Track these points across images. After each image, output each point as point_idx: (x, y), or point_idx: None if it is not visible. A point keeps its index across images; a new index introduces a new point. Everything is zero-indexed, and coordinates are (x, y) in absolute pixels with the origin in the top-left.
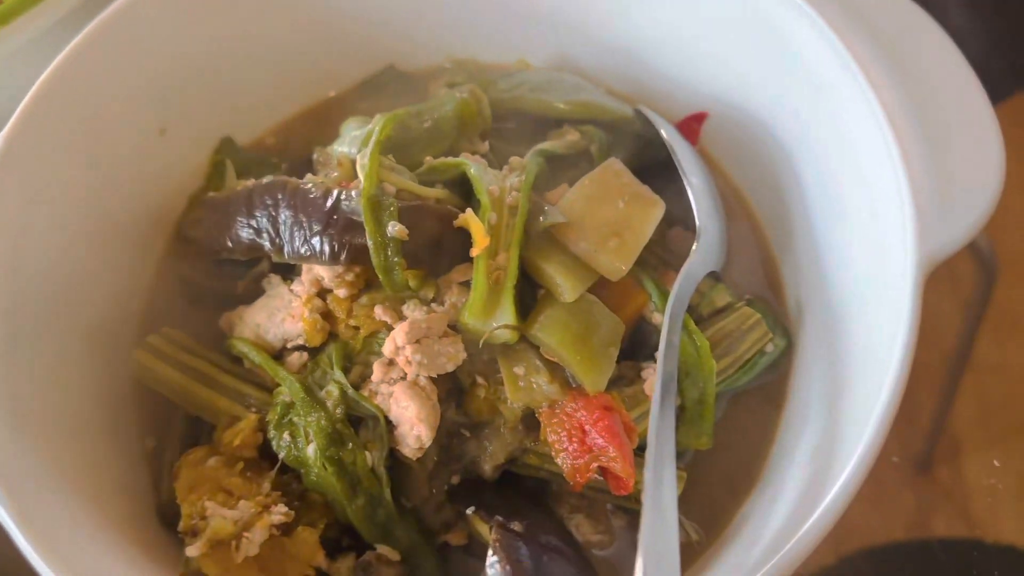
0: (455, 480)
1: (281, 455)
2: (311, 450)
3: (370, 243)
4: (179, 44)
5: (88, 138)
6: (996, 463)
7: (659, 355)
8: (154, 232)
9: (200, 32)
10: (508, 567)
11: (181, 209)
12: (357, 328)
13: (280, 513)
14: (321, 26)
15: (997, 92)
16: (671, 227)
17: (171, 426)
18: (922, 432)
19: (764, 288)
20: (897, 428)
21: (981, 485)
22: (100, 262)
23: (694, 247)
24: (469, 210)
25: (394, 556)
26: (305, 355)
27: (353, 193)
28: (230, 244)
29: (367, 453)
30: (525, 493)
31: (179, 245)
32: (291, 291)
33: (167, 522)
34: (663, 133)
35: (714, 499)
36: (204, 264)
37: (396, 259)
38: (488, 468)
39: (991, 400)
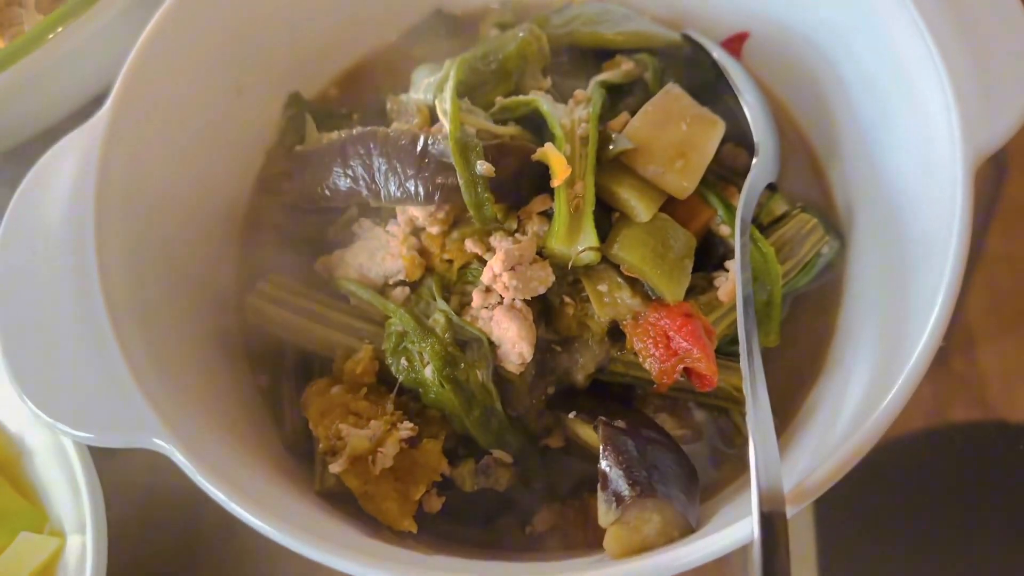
0: (551, 390)
1: (400, 378)
2: (428, 372)
3: (461, 182)
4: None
5: (178, 105)
6: (1009, 350)
7: (736, 258)
8: (240, 185)
9: None
10: (620, 460)
11: (260, 163)
12: (451, 261)
13: (407, 429)
14: None
15: None
16: (723, 144)
17: (282, 364)
18: None
19: (814, 194)
20: None
21: (996, 372)
22: (197, 210)
23: (754, 161)
24: (549, 144)
25: (507, 459)
26: (407, 289)
27: (439, 137)
28: (328, 193)
29: (477, 371)
30: (613, 398)
31: (266, 197)
32: (387, 232)
33: (295, 451)
34: (714, 54)
35: (783, 390)
36: (294, 213)
37: (485, 195)
38: (580, 377)
39: (1001, 289)
